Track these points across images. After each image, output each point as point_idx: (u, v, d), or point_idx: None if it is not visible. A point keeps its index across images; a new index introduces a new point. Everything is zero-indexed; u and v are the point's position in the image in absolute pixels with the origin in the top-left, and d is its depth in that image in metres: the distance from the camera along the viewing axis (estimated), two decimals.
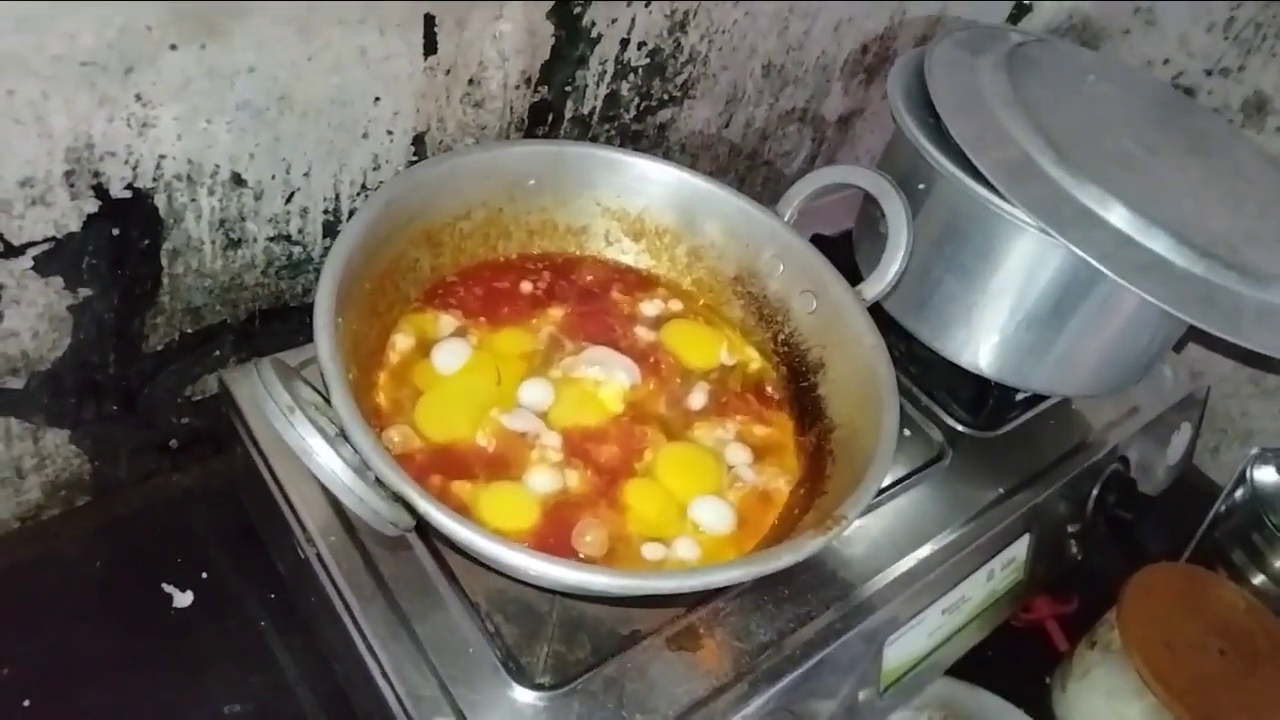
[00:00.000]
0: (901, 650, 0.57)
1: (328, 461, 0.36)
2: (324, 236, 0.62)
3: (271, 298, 0.63)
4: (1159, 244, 0.56)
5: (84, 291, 0.53)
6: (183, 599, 0.58)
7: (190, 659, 0.56)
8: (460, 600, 0.49)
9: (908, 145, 0.63)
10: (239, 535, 0.61)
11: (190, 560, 0.60)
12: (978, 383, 0.66)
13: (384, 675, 0.47)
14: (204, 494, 0.65)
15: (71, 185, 0.49)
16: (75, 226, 0.51)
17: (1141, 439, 0.74)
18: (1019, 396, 0.69)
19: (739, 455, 0.53)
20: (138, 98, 0.48)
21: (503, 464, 0.49)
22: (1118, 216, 0.57)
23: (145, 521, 0.62)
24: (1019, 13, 0.99)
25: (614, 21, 0.65)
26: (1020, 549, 0.64)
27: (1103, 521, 0.71)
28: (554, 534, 0.46)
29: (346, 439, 0.40)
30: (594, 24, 0.64)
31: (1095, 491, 0.70)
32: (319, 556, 0.51)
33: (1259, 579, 0.73)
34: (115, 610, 0.57)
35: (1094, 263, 0.54)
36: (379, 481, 0.39)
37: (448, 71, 0.59)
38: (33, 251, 0.50)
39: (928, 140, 0.61)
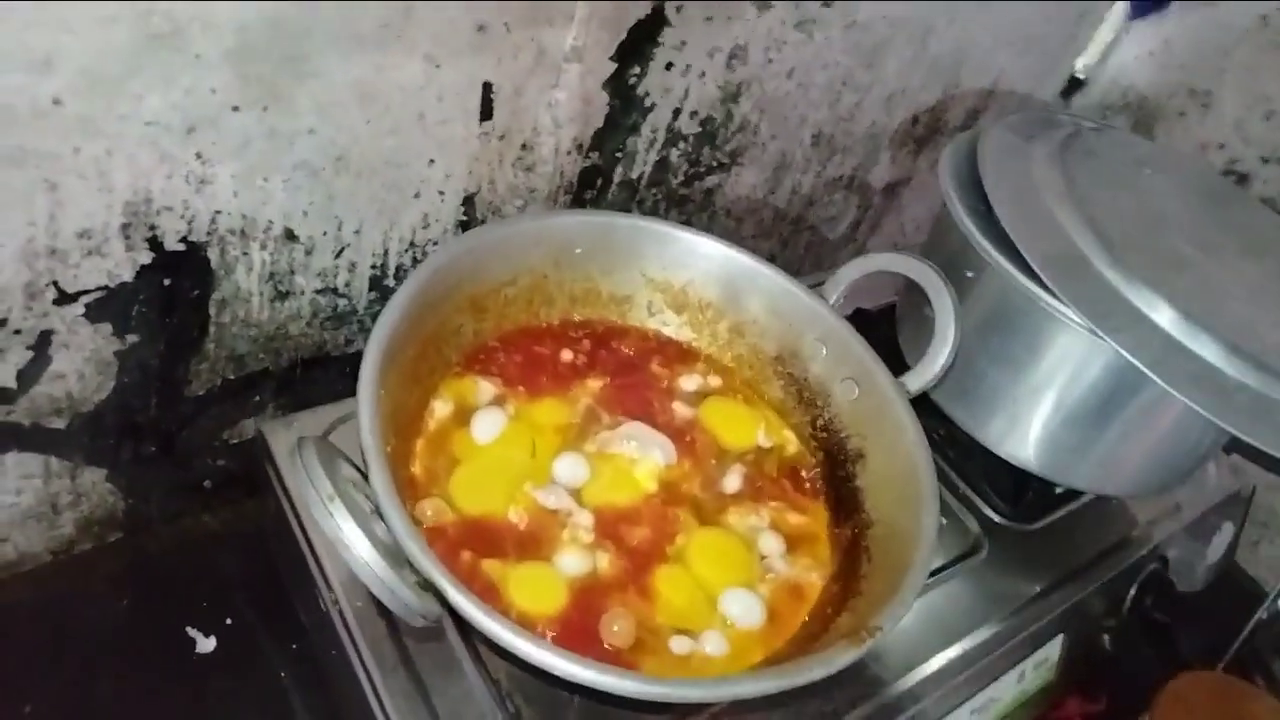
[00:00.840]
0: None
1: (364, 554, 0.36)
2: (369, 290, 0.62)
3: (314, 347, 0.63)
4: (1209, 351, 0.55)
5: (131, 338, 0.54)
6: (205, 644, 0.59)
7: (210, 706, 0.56)
8: (482, 676, 0.49)
9: (957, 231, 0.62)
10: (264, 581, 0.61)
11: (215, 604, 0.60)
12: (1017, 474, 0.65)
13: None
14: (233, 536, 0.65)
15: (127, 237, 0.50)
16: (128, 276, 0.51)
17: (1182, 538, 0.72)
18: (1058, 490, 0.68)
19: (772, 545, 0.52)
20: (197, 156, 0.49)
21: (534, 542, 0.49)
22: (1168, 320, 0.56)
23: (174, 560, 0.63)
24: (1071, 87, 0.99)
25: (668, 91, 0.65)
26: (1054, 649, 0.63)
27: (1138, 622, 0.69)
28: (581, 619, 0.46)
29: (381, 518, 0.39)
30: (649, 94, 0.64)
31: (1133, 592, 0.68)
32: (342, 617, 0.51)
33: None
34: (139, 651, 0.58)
35: (1143, 369, 0.53)
36: (409, 565, 0.39)
37: (501, 137, 0.59)
38: (85, 299, 0.51)
39: (977, 228, 0.61)
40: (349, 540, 0.36)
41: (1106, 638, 0.69)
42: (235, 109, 0.48)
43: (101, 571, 0.61)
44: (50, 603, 0.59)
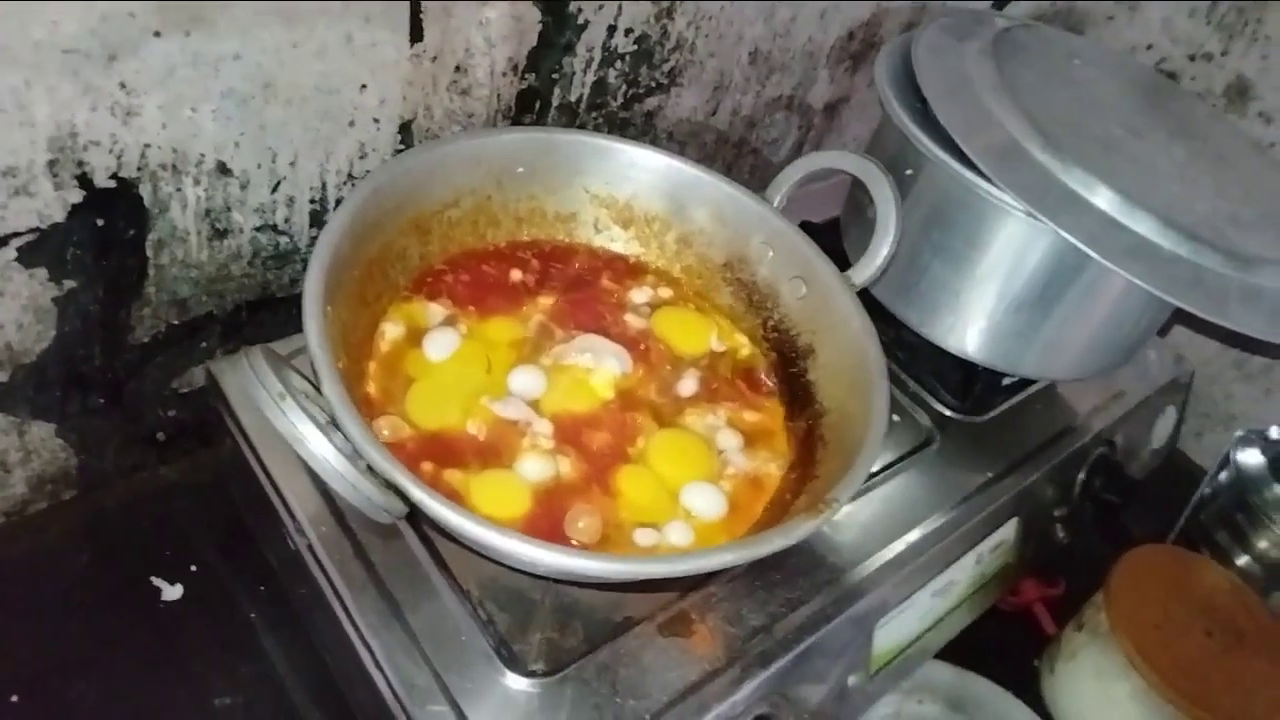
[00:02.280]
0: (891, 634, 0.57)
1: (320, 449, 0.36)
2: (310, 226, 0.61)
3: (258, 289, 0.62)
4: (1145, 227, 0.57)
5: (69, 283, 0.53)
6: (172, 592, 0.58)
7: (180, 652, 0.56)
8: (452, 588, 0.49)
9: (895, 131, 0.63)
10: (227, 528, 0.61)
11: (178, 554, 0.60)
12: (965, 367, 0.67)
13: (376, 665, 0.47)
14: (191, 487, 0.64)
15: (55, 175, 0.49)
16: (59, 217, 0.50)
17: (1127, 423, 0.74)
18: (1005, 381, 0.70)
19: (730, 441, 0.53)
20: (121, 86, 0.48)
21: (494, 452, 0.49)
22: (1104, 200, 0.57)
23: (132, 515, 0.62)
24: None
25: (601, 8, 0.64)
26: (1008, 532, 0.65)
27: (1089, 505, 0.72)
28: (546, 521, 0.46)
29: (337, 427, 0.39)
30: (581, 10, 0.63)
31: (1082, 475, 0.70)
32: (310, 547, 0.51)
33: (1243, 559, 0.74)
34: (103, 604, 0.57)
35: (1081, 246, 0.55)
36: (370, 470, 0.39)
37: (434, 59, 0.59)
38: (16, 243, 0.50)
39: (915, 126, 0.62)
40: (304, 435, 0.36)
41: (1060, 523, 0.72)
42: (156, 34, 0.47)
43: (59, 529, 0.61)
44: (8, 564, 0.58)
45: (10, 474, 0.59)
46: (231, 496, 0.61)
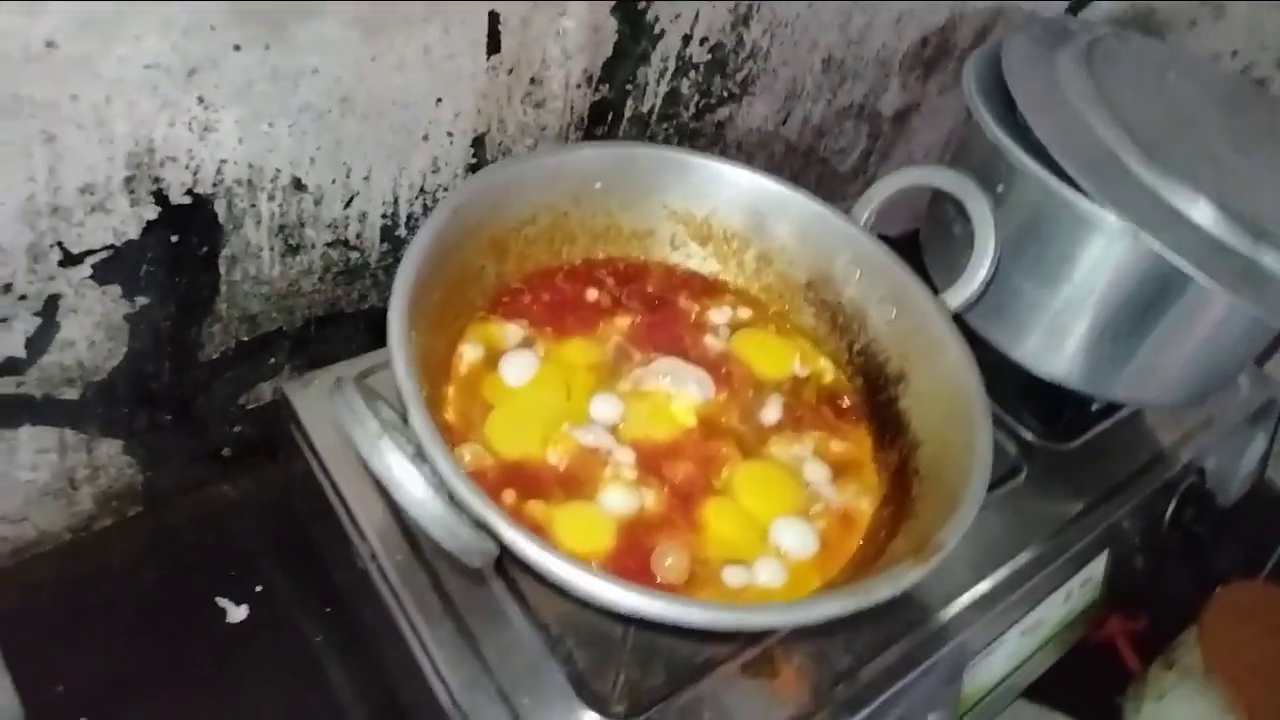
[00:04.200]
0: (980, 675, 0.55)
1: (419, 493, 0.35)
2: (381, 241, 0.60)
3: (327, 304, 0.61)
4: (1253, 248, 0.54)
5: (141, 300, 0.52)
6: (237, 613, 0.57)
7: (245, 677, 0.55)
8: (529, 622, 0.47)
9: (984, 144, 0.60)
10: (293, 546, 0.60)
11: (243, 572, 0.59)
12: (1052, 392, 0.64)
13: (452, 700, 0.45)
14: (256, 503, 0.63)
15: (131, 191, 0.48)
16: (134, 234, 0.49)
17: (1217, 451, 0.71)
18: (1094, 406, 0.67)
19: (817, 472, 0.51)
20: (200, 100, 0.47)
21: (576, 482, 0.47)
22: (1208, 218, 0.54)
23: (197, 532, 0.61)
24: (1079, 3, 0.96)
25: (677, 17, 0.63)
26: (1098, 567, 0.62)
27: (1179, 536, 0.68)
28: (631, 557, 0.45)
29: (425, 460, 0.38)
30: (658, 19, 0.62)
31: (1172, 506, 0.67)
32: (383, 573, 0.49)
33: None
34: (170, 624, 0.56)
35: (1191, 269, 0.52)
36: (457, 505, 0.38)
37: (510, 71, 0.57)
38: (91, 260, 0.49)
39: (1007, 137, 0.59)
40: (400, 479, 0.34)
41: (1147, 554, 0.69)
42: (237, 48, 0.46)
43: (124, 547, 0.60)
44: (74, 581, 0.57)
45: (78, 490, 0.58)
46: (296, 514, 0.60)
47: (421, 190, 0.59)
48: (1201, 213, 0.54)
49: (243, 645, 0.56)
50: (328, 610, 0.58)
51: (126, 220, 0.48)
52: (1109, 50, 0.66)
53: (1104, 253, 0.56)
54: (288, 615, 0.58)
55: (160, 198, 0.49)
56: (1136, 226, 0.53)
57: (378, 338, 0.64)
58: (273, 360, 0.61)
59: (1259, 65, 0.89)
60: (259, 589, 0.58)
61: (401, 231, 0.60)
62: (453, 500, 0.37)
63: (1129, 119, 0.58)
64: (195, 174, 0.49)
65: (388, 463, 0.34)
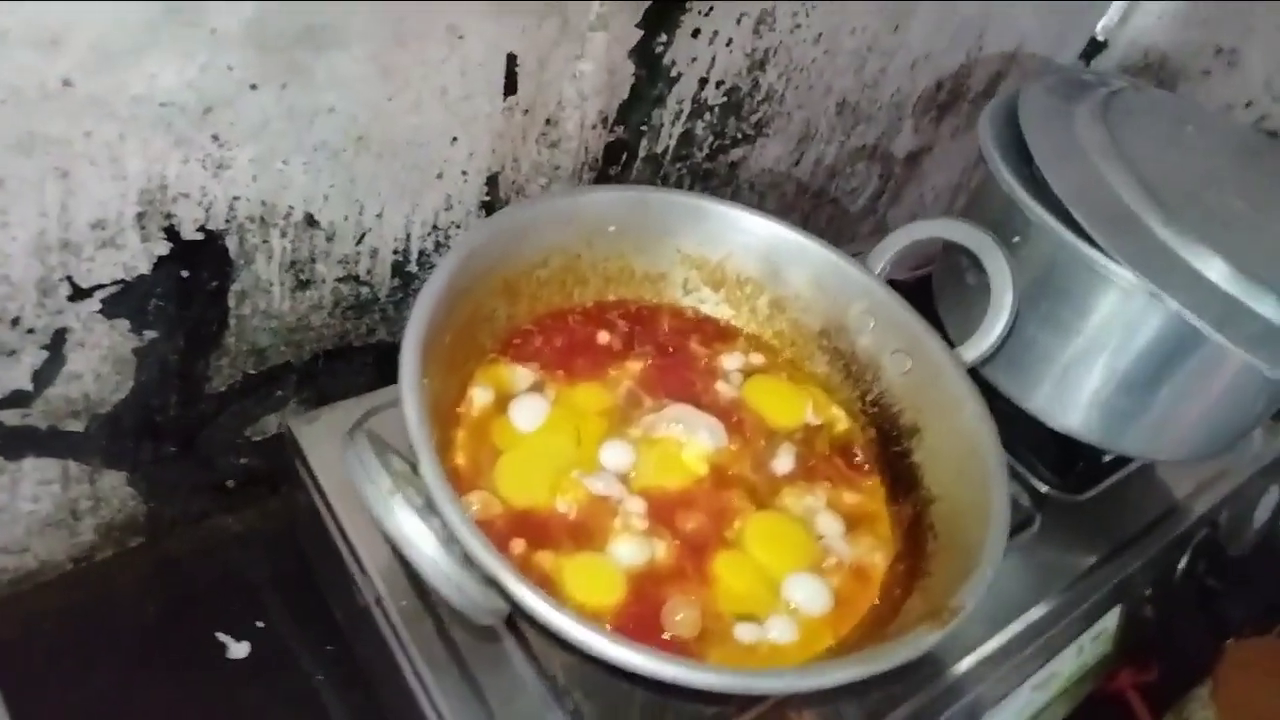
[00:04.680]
0: None
1: (430, 551, 0.34)
2: (392, 277, 0.60)
3: (336, 338, 0.61)
4: (1269, 308, 0.53)
5: (149, 334, 0.51)
6: (237, 649, 0.56)
7: (246, 713, 0.54)
8: (536, 671, 0.47)
9: (999, 196, 0.60)
10: (295, 581, 0.59)
11: (245, 607, 0.58)
12: (1065, 443, 0.63)
13: None
14: (259, 536, 0.63)
15: (143, 227, 0.47)
16: (145, 269, 0.49)
17: (1230, 504, 0.70)
18: (1106, 458, 0.66)
19: (830, 526, 0.50)
20: (214, 138, 0.46)
21: (585, 532, 0.47)
22: (1225, 277, 0.54)
23: (199, 564, 0.61)
24: (1093, 50, 0.97)
25: (694, 60, 0.63)
26: (1111, 621, 0.61)
27: (1191, 589, 0.67)
28: (641, 611, 0.44)
29: (435, 512, 0.37)
30: (675, 63, 0.62)
31: (1185, 559, 0.66)
32: (386, 616, 0.49)
33: None
34: (169, 659, 0.55)
35: (1204, 328, 0.51)
36: (468, 559, 0.37)
37: (526, 111, 0.57)
38: (101, 294, 0.48)
39: (1024, 190, 0.59)
40: (412, 538, 0.34)
41: (1158, 607, 0.68)
42: (253, 87, 0.46)
43: (125, 578, 0.59)
44: (74, 612, 0.57)
45: (80, 521, 0.57)
46: (299, 548, 0.59)
47: (434, 227, 0.59)
48: (1217, 271, 0.54)
49: (243, 682, 0.55)
50: (329, 648, 0.57)
51: (137, 255, 0.48)
52: (1126, 104, 0.66)
53: (1119, 308, 0.56)
54: (289, 652, 0.57)
55: (171, 233, 0.48)
56: (1153, 284, 0.52)
57: (385, 372, 0.64)
58: (279, 393, 0.60)
59: (1272, 117, 0.89)
60: (260, 625, 0.57)
61: (413, 267, 0.60)
62: (463, 555, 0.36)
63: (1145, 174, 0.58)
64: (208, 210, 0.49)
65: (399, 521, 0.33)
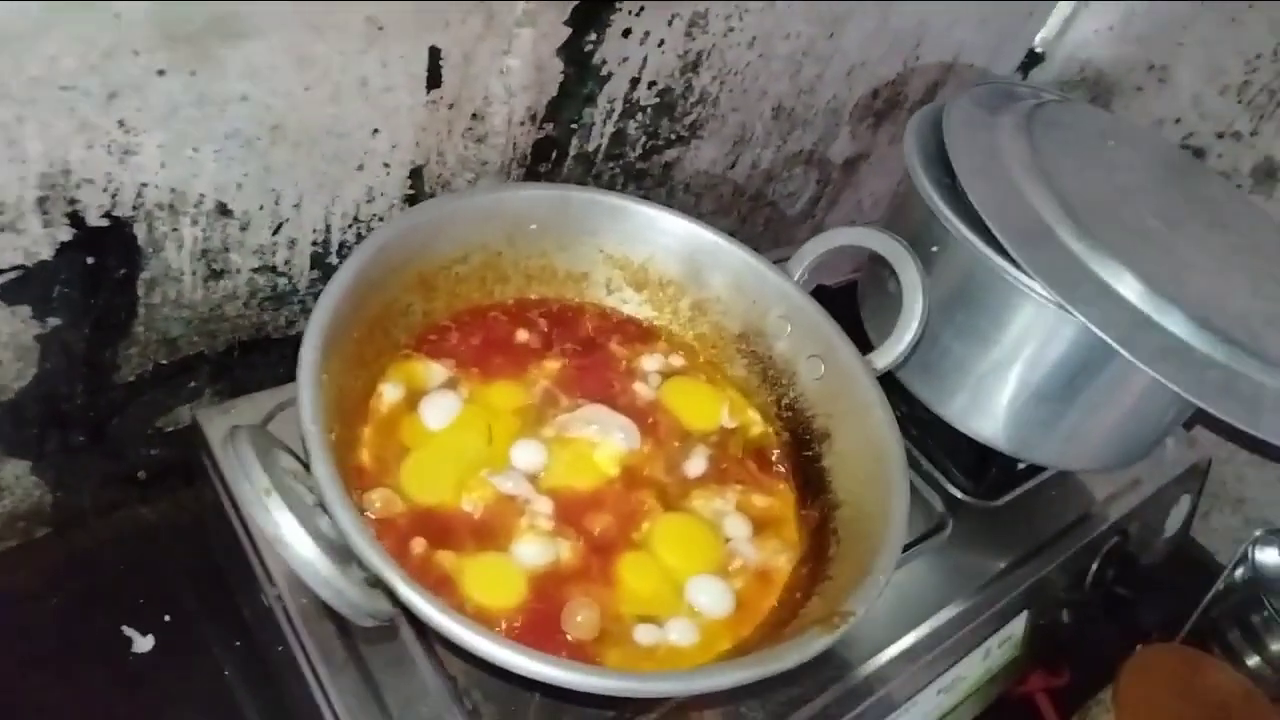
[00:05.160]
0: None
1: (305, 552, 0.33)
2: (311, 268, 0.59)
3: (253, 329, 0.60)
4: (1178, 326, 0.54)
5: (53, 321, 0.50)
6: (143, 643, 0.55)
7: (149, 709, 0.53)
8: (437, 673, 0.46)
9: (921, 205, 0.61)
10: (205, 575, 0.58)
11: (153, 600, 0.57)
12: (980, 450, 0.64)
13: None
14: (171, 528, 0.62)
15: (45, 212, 0.46)
16: (47, 255, 0.48)
17: (1142, 512, 0.72)
18: (1020, 466, 0.67)
19: (738, 528, 0.50)
20: (120, 124, 0.45)
21: (489, 532, 0.46)
22: (1137, 294, 0.55)
23: (108, 556, 0.59)
24: (1030, 62, 0.98)
25: (625, 60, 0.62)
26: (1019, 626, 0.62)
27: (1100, 596, 0.69)
28: (542, 612, 0.44)
29: (325, 511, 0.37)
30: (605, 62, 0.61)
31: (1095, 566, 0.68)
32: (287, 615, 0.48)
33: (1254, 661, 0.72)
34: (73, 652, 0.54)
35: (1113, 344, 0.53)
36: (358, 562, 0.37)
37: (451, 105, 0.56)
38: (0, 279, 0.47)
39: (943, 202, 0.59)
40: (288, 538, 0.33)
41: (1069, 612, 0.69)
42: (161, 73, 0.45)
43: (30, 569, 0.58)
44: None
45: None
46: (210, 544, 0.58)
47: (355, 219, 0.58)
48: (1128, 287, 0.55)
49: (147, 677, 0.54)
50: (237, 644, 0.56)
51: (38, 241, 0.47)
52: (1050, 117, 0.67)
53: (1032, 321, 0.57)
54: (196, 647, 0.56)
55: (76, 219, 0.47)
56: (1063, 298, 0.53)
57: None
58: (193, 384, 0.59)
59: (1199, 134, 0.91)
60: (168, 619, 0.57)
61: (333, 259, 0.59)
62: (350, 555, 0.36)
63: (1064, 189, 0.59)
64: (114, 197, 0.48)
65: (274, 521, 0.33)
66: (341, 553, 0.36)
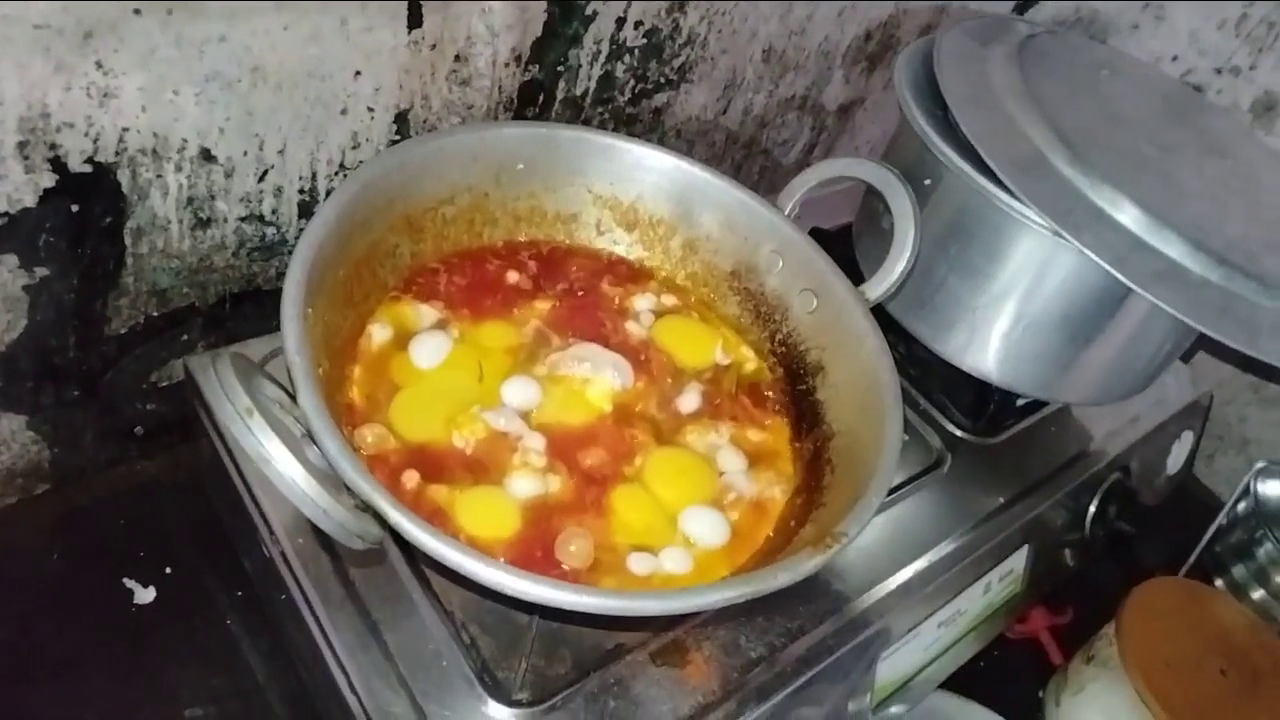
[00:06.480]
0: (895, 665, 0.55)
1: (288, 470, 0.33)
2: (299, 217, 0.58)
3: (243, 280, 0.59)
4: (1174, 249, 0.54)
5: (41, 271, 0.50)
6: (144, 595, 0.56)
7: (151, 659, 0.54)
8: (434, 608, 0.47)
9: (914, 139, 0.60)
10: (205, 528, 0.58)
11: (153, 553, 0.57)
12: (979, 387, 0.64)
13: (351, 688, 0.44)
14: (170, 483, 0.62)
15: (26, 158, 0.46)
16: (30, 201, 0.47)
17: (1143, 448, 0.72)
18: (1019, 402, 0.67)
19: (732, 461, 0.50)
20: (98, 65, 0.45)
21: (482, 467, 0.46)
22: (1132, 219, 0.54)
23: (107, 511, 0.59)
24: (1024, 4, 0.97)
25: None
26: (1019, 561, 0.62)
27: (1102, 533, 0.69)
28: (536, 543, 0.44)
29: (314, 441, 0.37)
30: (589, 0, 0.61)
31: (1095, 502, 0.68)
32: (284, 557, 0.48)
33: (1259, 594, 0.72)
34: (74, 605, 0.55)
35: (1108, 267, 0.52)
36: (348, 489, 0.37)
37: (433, 46, 0.56)
38: None
39: (936, 133, 0.59)
40: (271, 455, 0.33)
41: (1070, 550, 0.69)
42: (136, 12, 0.44)
43: (29, 525, 0.58)
44: None
45: None
46: (208, 496, 0.58)
47: (341, 165, 0.58)
48: (1124, 213, 0.54)
49: (150, 628, 0.55)
50: (239, 594, 0.57)
51: (21, 187, 0.47)
52: (1042, 48, 0.66)
53: (1026, 251, 0.56)
54: (197, 597, 0.56)
55: (58, 165, 0.47)
56: (1058, 224, 0.53)
57: None
58: (185, 337, 0.59)
59: (1197, 71, 0.90)
60: (169, 570, 0.57)
61: (317, 209, 0.59)
62: (341, 486, 0.36)
63: (1057, 117, 0.58)
64: (95, 142, 0.47)
65: (257, 440, 0.33)
66: (331, 482, 0.36)
